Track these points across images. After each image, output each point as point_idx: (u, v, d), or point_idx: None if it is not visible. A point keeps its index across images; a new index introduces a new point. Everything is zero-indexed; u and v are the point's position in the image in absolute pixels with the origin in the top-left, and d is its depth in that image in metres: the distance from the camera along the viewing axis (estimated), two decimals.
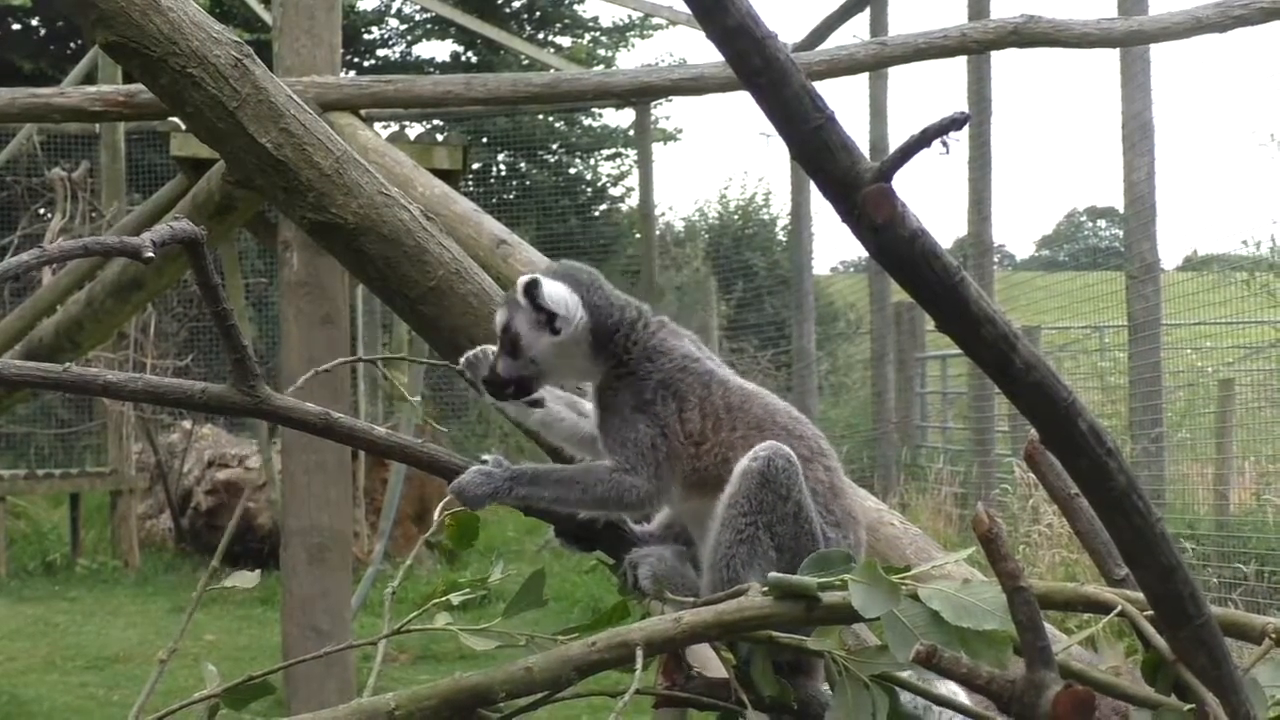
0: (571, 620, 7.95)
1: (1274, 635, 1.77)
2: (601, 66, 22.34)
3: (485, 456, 2.24)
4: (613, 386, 2.28)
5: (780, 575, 1.83)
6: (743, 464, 2.14)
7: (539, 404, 2.36)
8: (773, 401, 2.31)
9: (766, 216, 22.10)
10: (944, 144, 1.39)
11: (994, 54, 8.81)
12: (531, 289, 2.27)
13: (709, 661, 1.99)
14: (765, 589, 1.85)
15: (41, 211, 14.10)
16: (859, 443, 13.89)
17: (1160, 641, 1.68)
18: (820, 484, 2.21)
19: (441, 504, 2.22)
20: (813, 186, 1.48)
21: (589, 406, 2.39)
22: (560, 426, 2.39)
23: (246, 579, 2.13)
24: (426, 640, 9.58)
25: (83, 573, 13.21)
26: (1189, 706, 1.66)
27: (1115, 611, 1.73)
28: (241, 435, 14.43)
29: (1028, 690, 1.64)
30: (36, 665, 9.72)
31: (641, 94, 10.19)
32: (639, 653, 1.75)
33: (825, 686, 2.06)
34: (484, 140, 20.78)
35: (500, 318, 2.33)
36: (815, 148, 1.44)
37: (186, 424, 14.36)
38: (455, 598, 2.11)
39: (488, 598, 2.11)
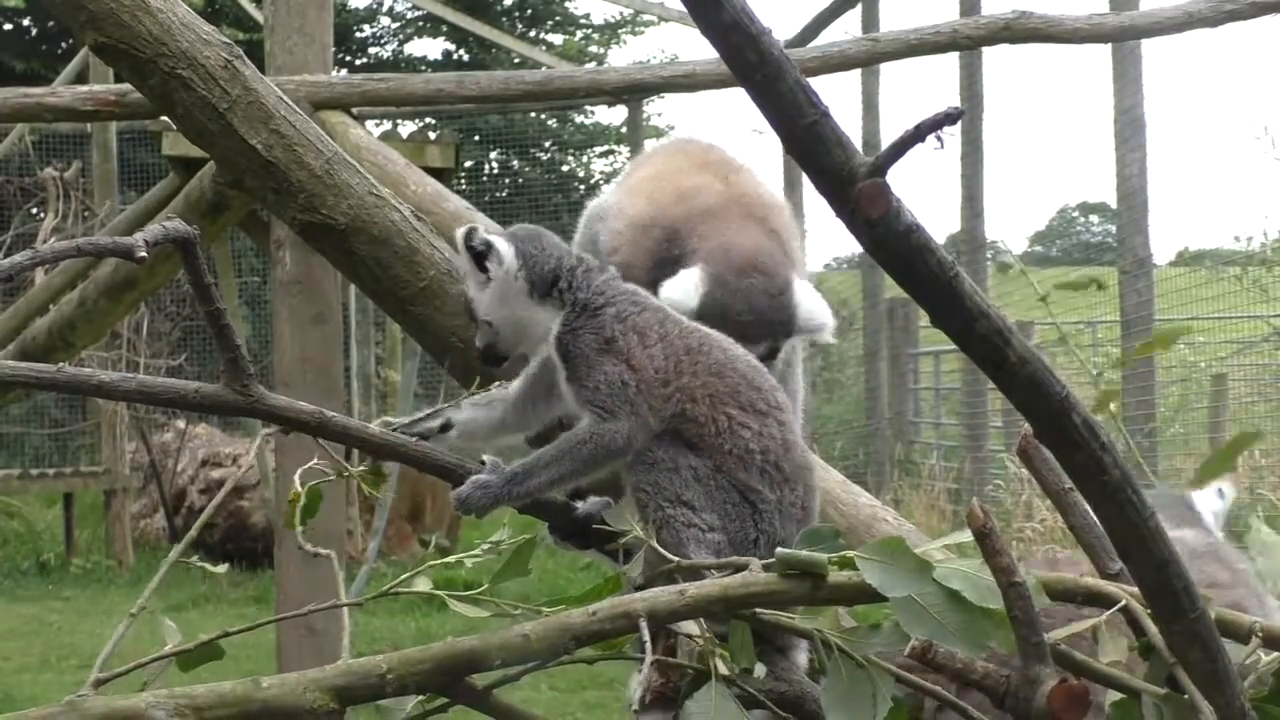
0: None
1: (1261, 634, 1.76)
2: (593, 64, 22.33)
3: (484, 458, 2.25)
4: (572, 330, 2.29)
5: (788, 551, 1.81)
6: (625, 462, 2.21)
7: (449, 427, 2.35)
8: (731, 347, 2.32)
9: None
10: (938, 139, 1.39)
11: (986, 50, 8.80)
12: (468, 236, 2.36)
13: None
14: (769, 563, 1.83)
15: (34, 211, 14.06)
16: (852, 439, 13.88)
17: (1159, 638, 1.68)
18: (773, 440, 2.23)
19: (299, 472, 2.22)
20: (806, 183, 1.48)
21: (499, 393, 2.39)
22: (478, 428, 2.37)
23: (218, 569, 2.31)
24: (420, 637, 9.58)
25: (76, 572, 13.18)
26: (1186, 695, 1.66)
27: (1118, 606, 1.73)
28: (235, 434, 14.39)
29: (1023, 685, 1.64)
30: (30, 665, 9.69)
31: (633, 91, 10.15)
32: (643, 623, 1.72)
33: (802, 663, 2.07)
34: (476, 138, 20.75)
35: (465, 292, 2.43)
36: (810, 143, 1.44)
37: (180, 423, 14.31)
38: (468, 560, 2.11)
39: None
